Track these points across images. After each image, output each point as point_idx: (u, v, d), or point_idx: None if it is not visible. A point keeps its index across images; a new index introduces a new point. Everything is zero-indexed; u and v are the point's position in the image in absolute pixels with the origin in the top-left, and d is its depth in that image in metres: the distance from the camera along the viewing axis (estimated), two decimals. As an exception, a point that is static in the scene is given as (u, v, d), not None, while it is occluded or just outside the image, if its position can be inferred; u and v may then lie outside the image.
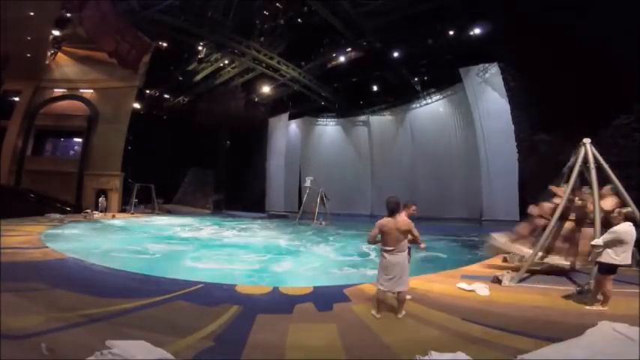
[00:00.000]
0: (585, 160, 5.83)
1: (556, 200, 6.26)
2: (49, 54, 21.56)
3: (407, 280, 4.07)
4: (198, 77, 26.20)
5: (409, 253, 4.27)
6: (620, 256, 4.24)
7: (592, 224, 5.54)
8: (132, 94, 23.03)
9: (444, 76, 22.06)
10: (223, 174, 29.43)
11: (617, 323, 3.23)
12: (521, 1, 13.50)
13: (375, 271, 4.22)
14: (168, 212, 23.95)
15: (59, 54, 22.46)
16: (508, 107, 16.94)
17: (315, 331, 3.66)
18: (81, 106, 22.46)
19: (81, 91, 22.79)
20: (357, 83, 26.30)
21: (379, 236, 4.04)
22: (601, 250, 4.37)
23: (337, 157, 28.98)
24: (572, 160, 6.17)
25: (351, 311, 4.28)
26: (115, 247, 9.22)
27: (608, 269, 4.31)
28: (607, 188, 5.83)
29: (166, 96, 28.25)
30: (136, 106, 24.40)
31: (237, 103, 28.33)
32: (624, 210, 4.63)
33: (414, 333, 3.62)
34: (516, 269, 6.04)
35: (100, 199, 20.31)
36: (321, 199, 19.82)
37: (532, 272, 5.98)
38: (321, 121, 30.09)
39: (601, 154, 5.82)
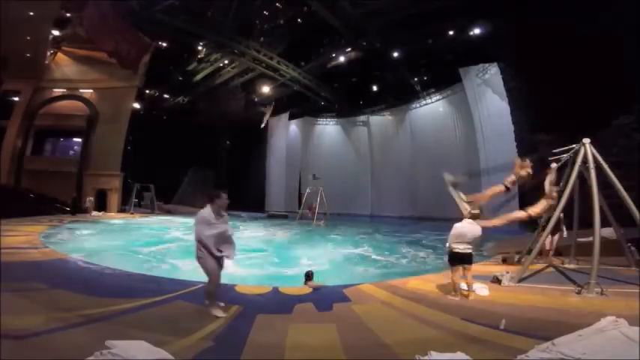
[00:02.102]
0: (585, 160, 5.83)
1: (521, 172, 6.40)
2: (48, 54, 21.55)
3: None
4: (198, 77, 26.18)
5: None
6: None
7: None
8: (131, 94, 23.01)
9: (444, 76, 22.05)
10: (223, 174, 29.43)
11: (619, 319, 3.23)
12: (521, 1, 13.49)
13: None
14: (168, 212, 23.95)
15: (59, 54, 22.46)
16: (508, 107, 16.94)
17: (315, 331, 3.66)
18: (80, 106, 22.43)
19: (80, 91, 22.76)
20: (357, 83, 26.31)
21: None
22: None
23: (337, 157, 29.00)
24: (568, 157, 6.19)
25: (351, 311, 4.28)
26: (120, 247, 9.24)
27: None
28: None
29: (166, 96, 28.23)
30: (136, 106, 24.38)
31: (237, 103, 28.34)
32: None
33: (414, 333, 3.62)
34: (516, 269, 6.04)
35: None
36: (321, 197, 19.88)
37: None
38: (321, 121, 30.11)
39: (601, 154, 5.82)
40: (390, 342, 3.32)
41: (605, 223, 5.81)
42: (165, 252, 9.21)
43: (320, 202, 19.90)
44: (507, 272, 5.64)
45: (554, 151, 6.62)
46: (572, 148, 6.16)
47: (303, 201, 22.20)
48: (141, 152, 23.93)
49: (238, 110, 28.56)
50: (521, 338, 3.29)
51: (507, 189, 6.41)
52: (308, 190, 21.31)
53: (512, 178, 6.43)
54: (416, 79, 23.96)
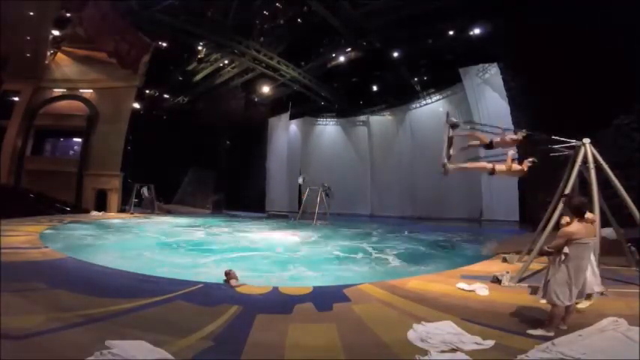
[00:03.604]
0: (585, 160, 5.83)
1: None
2: (48, 54, 21.55)
3: None
4: (198, 77, 26.17)
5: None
6: None
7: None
8: (131, 94, 22.98)
9: (444, 76, 22.03)
10: (223, 174, 29.42)
11: (619, 319, 3.23)
12: (521, 1, 13.50)
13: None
14: (168, 212, 23.94)
15: (59, 54, 22.43)
16: (508, 107, 16.94)
17: (315, 331, 3.66)
18: (80, 106, 22.42)
19: (80, 91, 22.73)
20: (357, 83, 26.29)
21: None
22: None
23: (337, 157, 28.95)
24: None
25: (351, 311, 4.28)
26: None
27: None
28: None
29: (166, 96, 28.23)
30: (136, 106, 24.38)
31: (237, 103, 28.35)
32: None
33: (414, 333, 3.61)
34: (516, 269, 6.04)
35: None
36: (321, 197, 19.87)
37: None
38: (321, 121, 30.07)
39: (601, 154, 5.81)
40: (390, 342, 3.33)
41: (605, 223, 5.81)
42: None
43: (320, 202, 19.90)
44: (507, 272, 5.64)
45: (554, 147, 6.62)
46: (571, 144, 6.16)
47: (303, 201, 22.19)
48: (141, 152, 23.92)
49: (238, 110, 28.56)
50: (521, 338, 3.29)
51: (490, 145, 6.57)
52: (308, 190, 21.32)
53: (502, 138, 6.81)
54: (416, 79, 23.93)
